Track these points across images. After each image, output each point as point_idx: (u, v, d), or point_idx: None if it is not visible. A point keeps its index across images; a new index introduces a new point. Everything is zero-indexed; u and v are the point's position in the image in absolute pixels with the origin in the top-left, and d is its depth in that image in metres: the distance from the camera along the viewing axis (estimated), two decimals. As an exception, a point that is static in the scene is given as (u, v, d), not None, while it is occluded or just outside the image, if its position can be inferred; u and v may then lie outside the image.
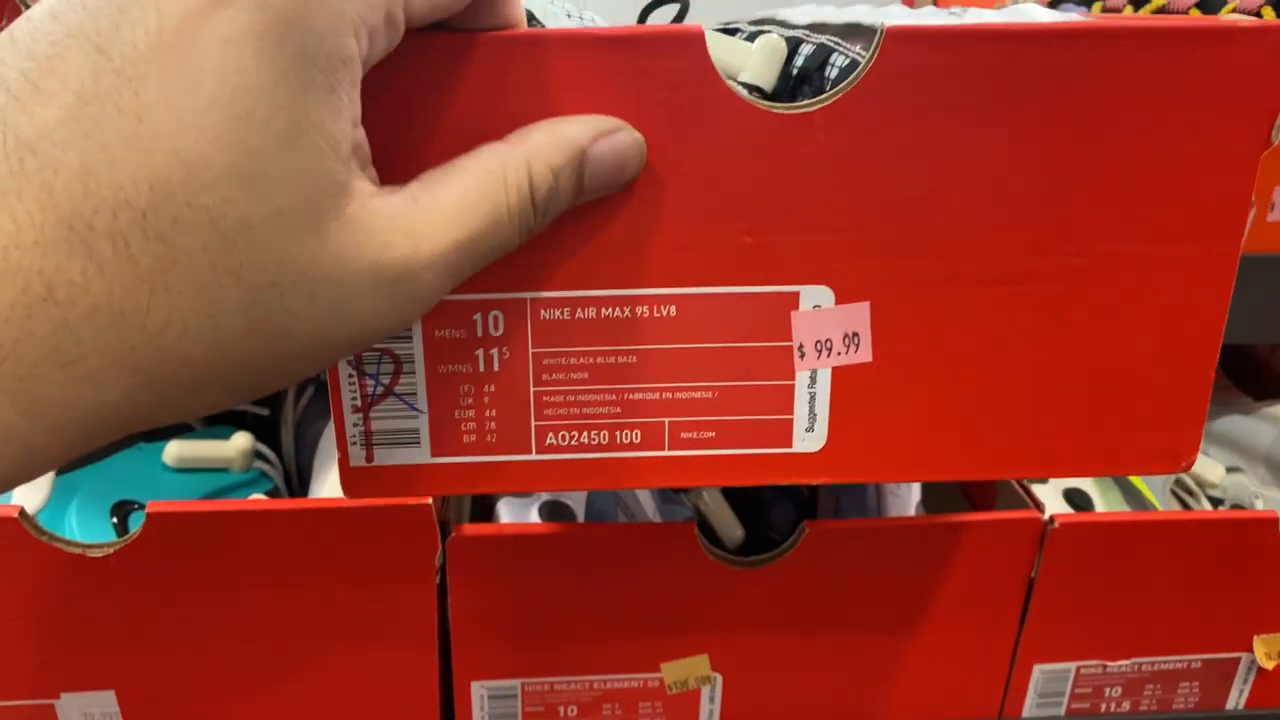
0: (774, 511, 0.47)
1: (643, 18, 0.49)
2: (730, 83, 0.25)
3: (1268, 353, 0.64)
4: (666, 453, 0.29)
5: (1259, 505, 0.51)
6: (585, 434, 0.28)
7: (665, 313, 0.27)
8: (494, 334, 0.27)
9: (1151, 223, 0.27)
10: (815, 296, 0.27)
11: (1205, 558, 0.44)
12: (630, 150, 0.24)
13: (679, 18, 0.45)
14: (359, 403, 0.28)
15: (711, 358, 0.28)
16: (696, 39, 0.25)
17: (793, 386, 0.28)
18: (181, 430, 0.52)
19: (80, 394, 0.18)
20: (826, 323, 0.27)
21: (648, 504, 0.46)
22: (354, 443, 0.28)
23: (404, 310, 0.21)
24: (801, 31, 0.35)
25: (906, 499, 0.46)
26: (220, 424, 0.53)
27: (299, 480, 0.53)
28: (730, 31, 0.39)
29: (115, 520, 0.45)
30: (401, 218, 0.21)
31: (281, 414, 0.54)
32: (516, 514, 0.44)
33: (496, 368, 0.28)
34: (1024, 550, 0.42)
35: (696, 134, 0.25)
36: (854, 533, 0.41)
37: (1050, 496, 0.48)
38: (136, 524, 0.38)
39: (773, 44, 0.32)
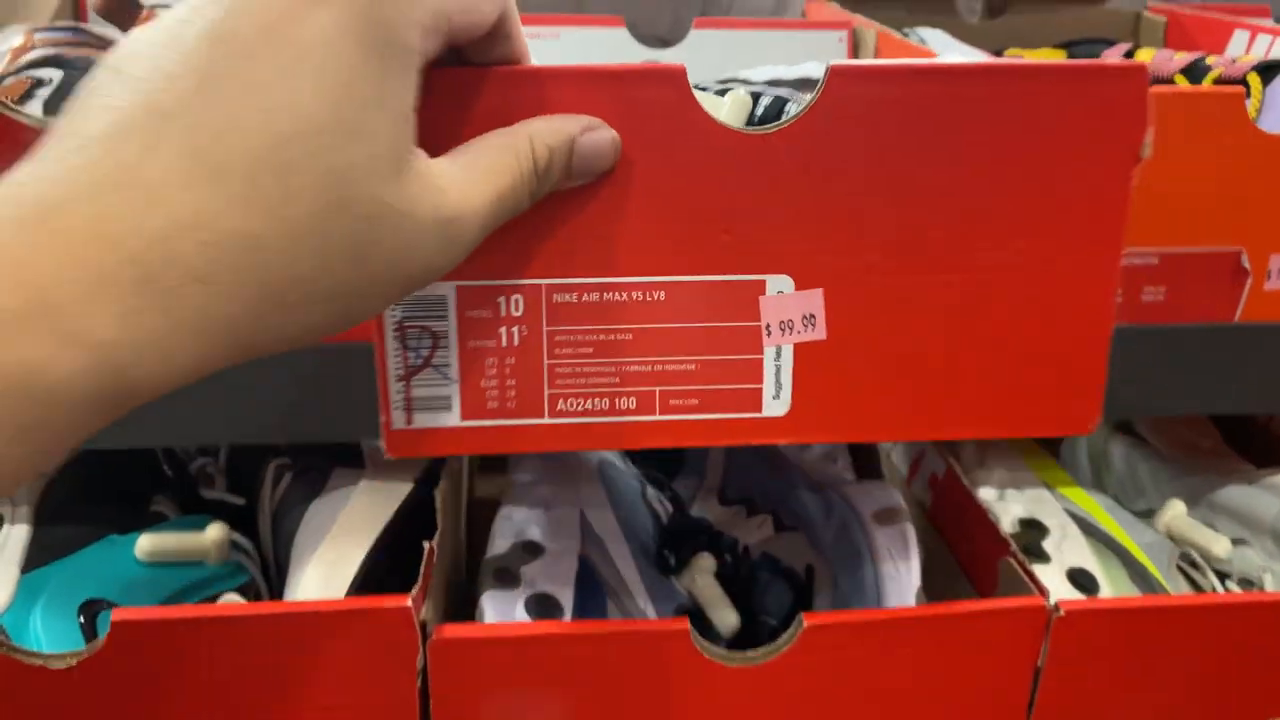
0: (768, 595, 0.47)
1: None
2: None
3: (1268, 418, 0.63)
4: (658, 417, 0.34)
5: (1268, 580, 0.49)
6: (590, 400, 0.34)
7: (656, 297, 0.33)
8: (515, 314, 0.33)
9: (1051, 224, 0.33)
10: (779, 284, 0.33)
11: (1220, 642, 0.43)
12: (608, 145, 0.31)
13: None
14: (402, 373, 0.33)
15: (694, 335, 0.34)
16: (680, 74, 0.31)
17: (761, 360, 0.34)
18: (153, 523, 0.49)
19: (214, 305, 0.21)
20: (788, 305, 0.34)
21: (638, 588, 0.46)
22: (397, 408, 0.34)
23: (453, 251, 0.26)
24: (761, 86, 0.41)
25: (906, 580, 0.44)
26: (194, 514, 0.51)
27: (277, 569, 0.49)
28: (699, 88, 0.46)
29: (83, 620, 0.41)
30: (451, 175, 0.26)
31: (259, 501, 0.51)
32: (502, 609, 0.41)
33: (516, 343, 0.33)
34: (1029, 640, 0.41)
35: (681, 152, 0.31)
36: (854, 626, 0.40)
37: (1053, 576, 0.46)
38: (105, 625, 0.35)
39: (740, 98, 0.38)
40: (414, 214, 0.24)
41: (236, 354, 0.23)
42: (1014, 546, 0.44)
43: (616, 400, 0.34)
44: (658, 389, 0.34)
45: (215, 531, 0.47)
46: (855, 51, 0.67)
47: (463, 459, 0.51)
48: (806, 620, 0.39)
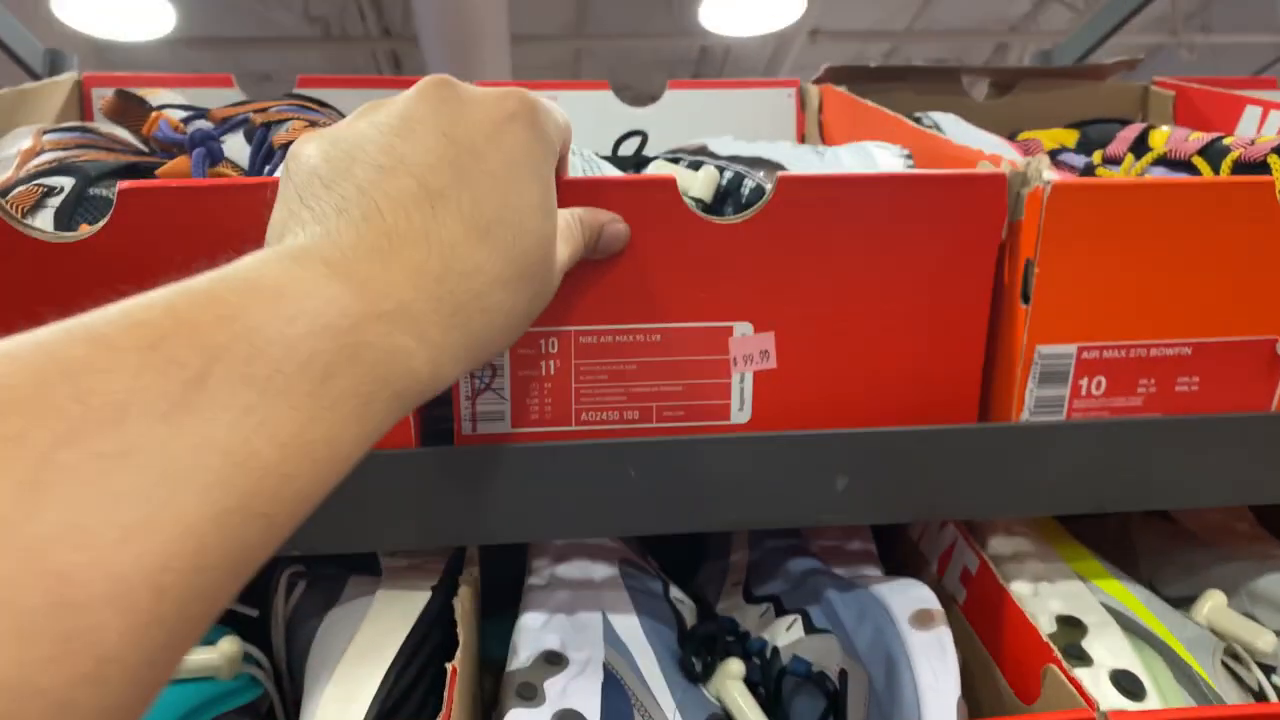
0: (800, 702, 0.45)
1: (616, 147, 0.59)
2: (685, 198, 0.41)
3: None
4: (654, 424, 0.44)
5: (1315, 678, 0.46)
6: (604, 413, 0.44)
7: (653, 339, 0.43)
8: (552, 351, 0.43)
9: (934, 287, 0.44)
10: (742, 329, 0.44)
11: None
12: (623, 233, 0.41)
13: (641, 145, 0.63)
14: (470, 394, 0.43)
15: (681, 366, 0.44)
16: (671, 184, 0.41)
17: (729, 384, 0.44)
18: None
19: (483, 329, 0.29)
20: (749, 344, 0.44)
21: (665, 697, 0.45)
22: (465, 419, 0.43)
23: (548, 291, 0.33)
24: (724, 161, 0.52)
25: (947, 689, 0.42)
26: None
27: (290, 680, 0.49)
28: (675, 159, 0.55)
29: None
30: (558, 234, 0.34)
31: (271, 611, 0.50)
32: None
33: (552, 372, 0.43)
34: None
35: (671, 234, 0.42)
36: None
37: (1098, 681, 0.44)
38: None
39: (710, 174, 0.48)
40: (556, 263, 0.33)
41: (475, 367, 0.31)
42: (1056, 653, 0.42)
43: (623, 413, 0.44)
44: (654, 404, 0.44)
45: (227, 645, 0.45)
46: (803, 105, 0.78)
47: (477, 568, 0.49)
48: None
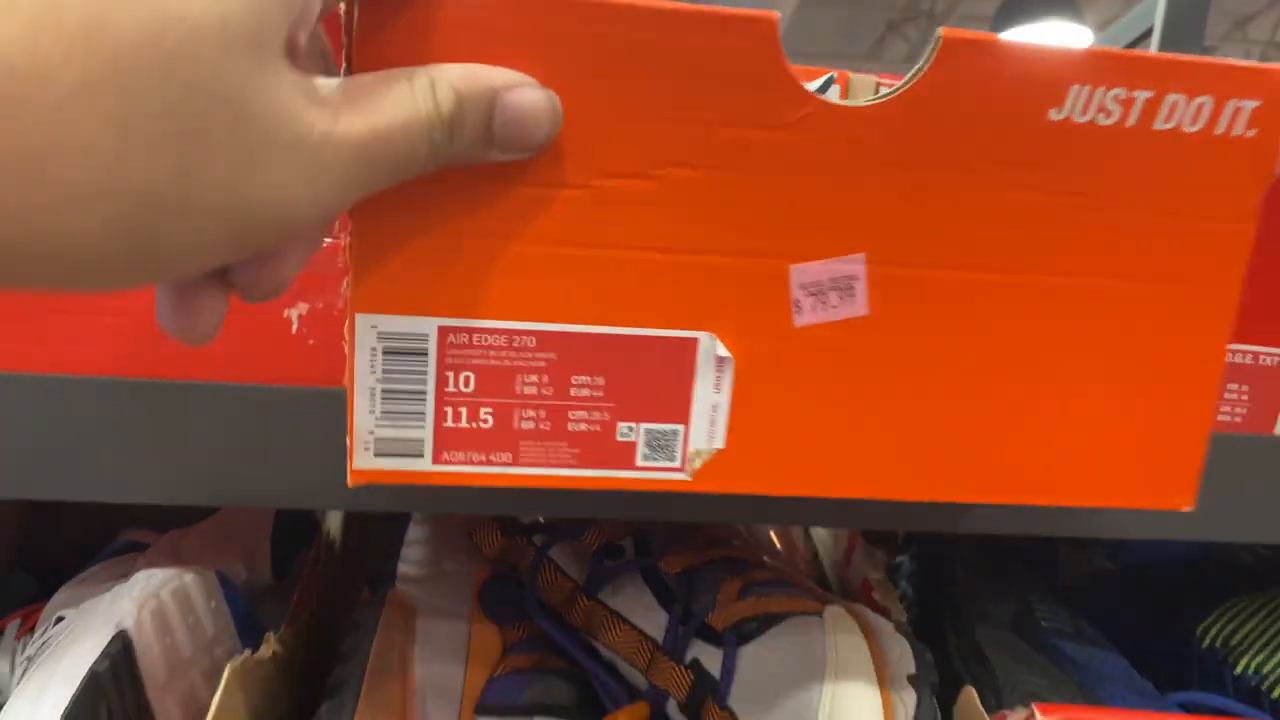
0: None
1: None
2: None
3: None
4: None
5: None
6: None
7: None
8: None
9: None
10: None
11: None
12: (542, 106, 0.25)
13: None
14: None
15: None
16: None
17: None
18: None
19: None
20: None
21: None
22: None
23: (317, 185, 0.20)
24: None
25: None
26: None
27: None
28: None
29: None
30: (327, 93, 0.21)
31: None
32: None
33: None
34: None
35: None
36: None
37: None
38: None
39: None
40: (264, 115, 0.19)
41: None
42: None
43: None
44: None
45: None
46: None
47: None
48: None
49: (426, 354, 0.27)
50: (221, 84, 0.18)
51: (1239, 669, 0.43)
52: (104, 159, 0.17)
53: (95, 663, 0.33)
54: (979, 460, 0.30)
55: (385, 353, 0.27)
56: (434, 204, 0.26)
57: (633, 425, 0.29)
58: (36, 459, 0.32)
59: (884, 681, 0.35)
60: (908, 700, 0.34)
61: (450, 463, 0.28)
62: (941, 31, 0.26)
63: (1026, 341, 0.29)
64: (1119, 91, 0.27)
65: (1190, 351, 0.30)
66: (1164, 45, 1.46)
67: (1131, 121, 0.27)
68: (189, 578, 0.38)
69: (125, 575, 0.38)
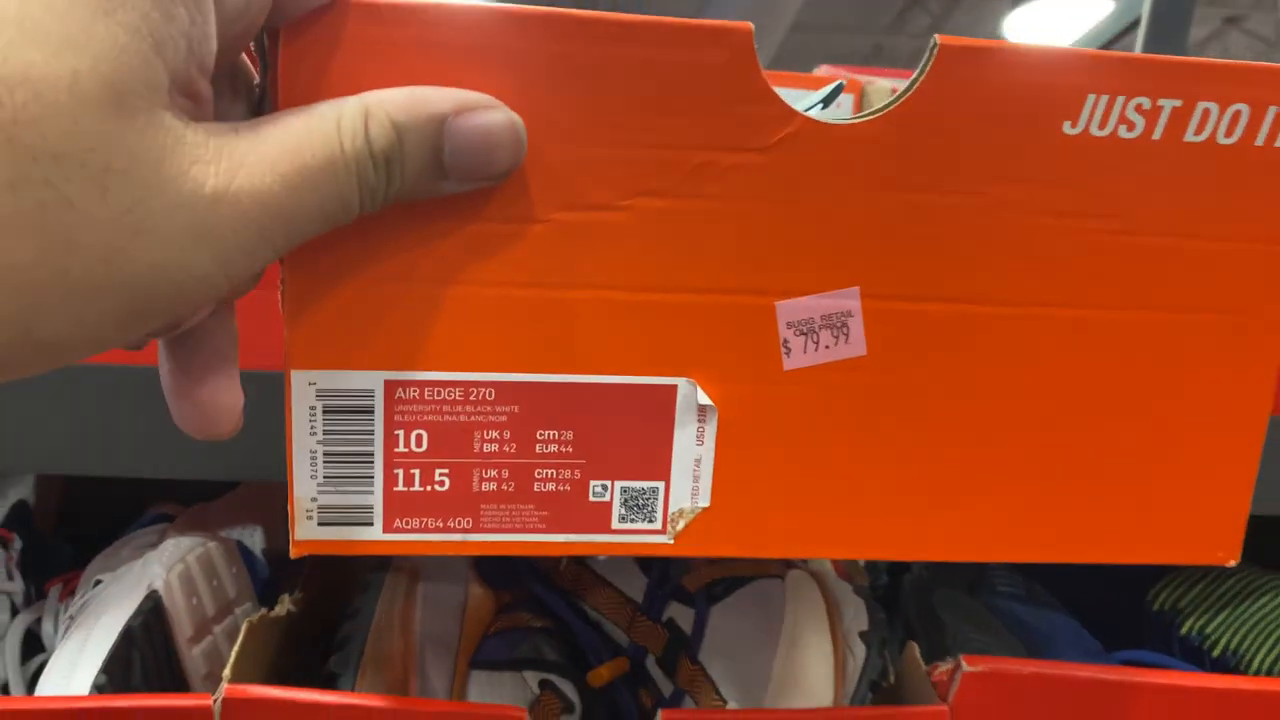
0: None
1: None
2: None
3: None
4: None
5: None
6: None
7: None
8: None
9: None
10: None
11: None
12: (500, 129, 0.22)
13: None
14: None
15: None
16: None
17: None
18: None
19: None
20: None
21: None
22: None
23: (222, 247, 0.18)
24: None
25: None
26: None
27: None
28: None
29: None
30: (221, 139, 0.18)
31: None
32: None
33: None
34: None
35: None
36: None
37: None
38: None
39: None
40: (140, 177, 0.17)
41: None
42: None
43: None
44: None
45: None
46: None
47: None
48: None
49: (373, 411, 0.24)
50: (76, 147, 0.16)
51: (1184, 630, 0.44)
52: None
53: (130, 619, 0.37)
54: (992, 516, 0.27)
55: (326, 411, 0.24)
56: (374, 245, 0.23)
57: (607, 484, 0.26)
58: (75, 439, 0.34)
59: (837, 637, 0.38)
60: (858, 654, 0.38)
61: (403, 530, 0.25)
62: (937, 39, 0.23)
63: (1045, 382, 0.26)
64: (1141, 101, 0.24)
65: (1232, 387, 0.27)
66: (1149, 40, 1.41)
67: (1157, 134, 0.24)
68: (213, 545, 0.42)
69: (155, 544, 0.42)
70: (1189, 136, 0.24)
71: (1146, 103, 0.24)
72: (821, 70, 0.66)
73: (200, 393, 0.22)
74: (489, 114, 0.22)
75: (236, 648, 0.31)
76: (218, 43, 0.19)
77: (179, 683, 0.39)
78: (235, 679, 0.30)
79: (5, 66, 0.15)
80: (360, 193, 0.20)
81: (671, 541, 0.26)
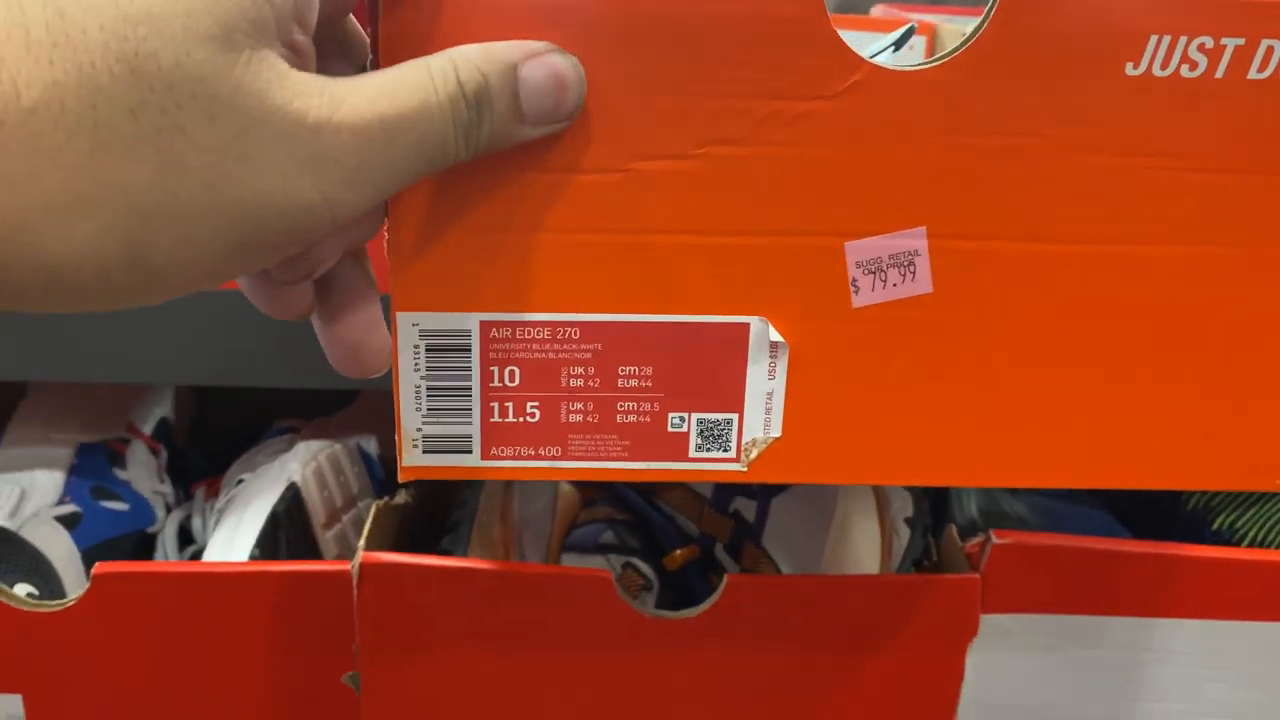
0: None
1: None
2: None
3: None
4: None
5: None
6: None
7: None
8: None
9: None
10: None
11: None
12: (567, 70, 0.23)
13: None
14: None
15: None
16: None
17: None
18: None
19: None
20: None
21: None
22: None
23: (324, 176, 0.19)
24: None
25: None
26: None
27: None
28: None
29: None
30: (321, 81, 0.20)
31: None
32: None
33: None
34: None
35: None
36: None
37: None
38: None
39: None
40: (245, 105, 0.18)
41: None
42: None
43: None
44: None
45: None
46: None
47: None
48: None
49: (470, 349, 0.26)
50: (188, 78, 0.17)
51: (1215, 525, 0.46)
52: (78, 166, 0.17)
53: (275, 504, 0.44)
54: (1055, 443, 0.28)
55: (429, 350, 0.26)
56: (469, 197, 0.25)
57: (684, 415, 0.28)
58: (211, 354, 0.41)
59: (884, 522, 0.42)
60: (903, 536, 0.42)
61: (499, 458, 0.28)
62: (1002, -15, 0.24)
63: (1108, 316, 0.27)
64: (1204, 39, 0.25)
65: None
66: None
67: (1220, 73, 0.25)
68: (338, 447, 0.49)
69: (287, 449, 0.49)
70: (1252, 74, 0.25)
71: (1210, 41, 0.25)
72: (877, 11, 0.65)
73: (345, 334, 0.25)
74: (554, 57, 0.23)
75: (368, 525, 0.36)
76: (321, 3, 0.21)
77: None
78: (368, 549, 0.34)
79: (131, 6, 0.17)
80: (455, 132, 0.22)
81: (745, 469, 0.28)
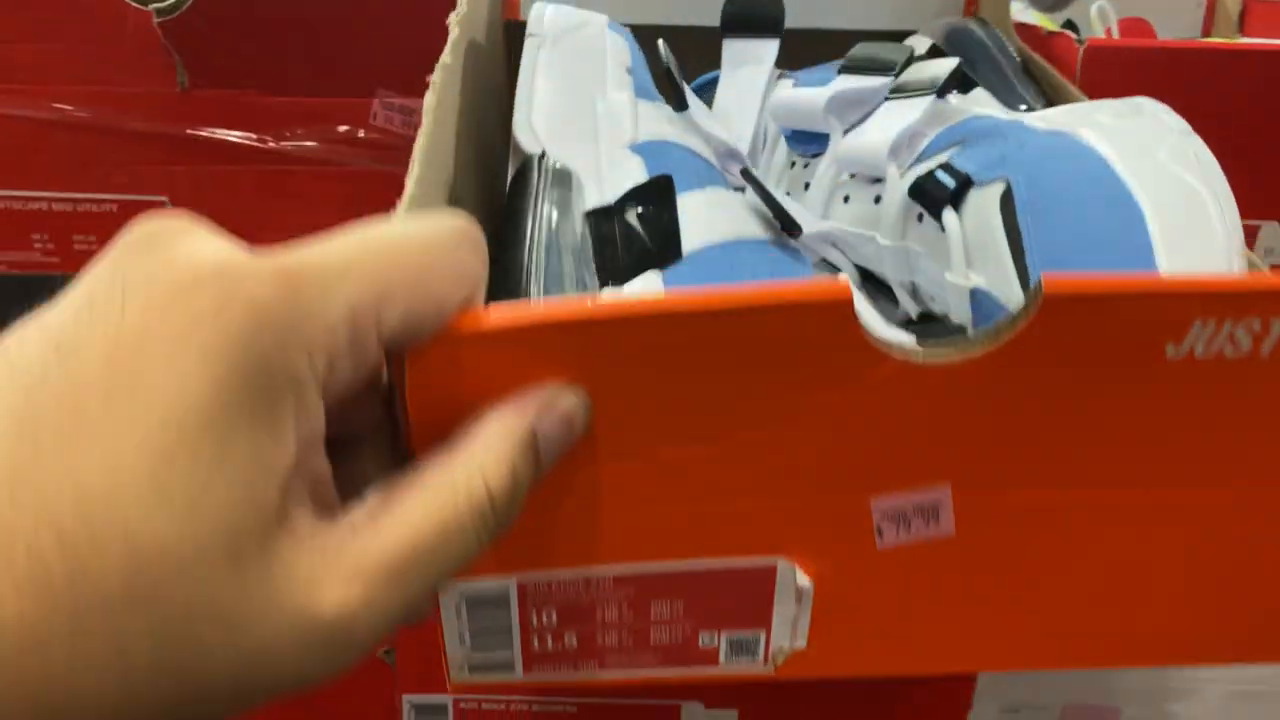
0: None
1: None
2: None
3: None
4: None
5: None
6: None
7: None
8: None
9: None
10: None
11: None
12: (576, 409, 0.24)
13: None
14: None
15: None
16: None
17: None
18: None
19: None
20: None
21: None
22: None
23: (337, 659, 0.20)
24: None
25: None
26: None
27: None
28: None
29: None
30: (337, 555, 0.20)
31: None
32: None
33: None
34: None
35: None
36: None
37: None
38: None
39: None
40: (259, 619, 0.18)
41: None
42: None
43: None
44: None
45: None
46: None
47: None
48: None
49: (509, 605, 0.28)
50: (203, 603, 0.18)
51: None
52: (112, 700, 0.17)
53: None
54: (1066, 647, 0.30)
55: (469, 605, 0.28)
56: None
57: (714, 633, 0.29)
58: None
59: None
60: None
61: (540, 673, 0.30)
62: (1043, 281, 0.23)
63: (1124, 553, 0.28)
64: (1251, 322, 0.24)
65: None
66: None
67: (1265, 353, 0.24)
68: None
69: None
70: (1294, 358, 0.24)
71: (1257, 324, 0.24)
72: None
73: None
74: (564, 399, 0.23)
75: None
76: (336, 404, 0.20)
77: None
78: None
79: (142, 539, 0.17)
80: (481, 539, 0.21)
81: (772, 672, 0.30)
